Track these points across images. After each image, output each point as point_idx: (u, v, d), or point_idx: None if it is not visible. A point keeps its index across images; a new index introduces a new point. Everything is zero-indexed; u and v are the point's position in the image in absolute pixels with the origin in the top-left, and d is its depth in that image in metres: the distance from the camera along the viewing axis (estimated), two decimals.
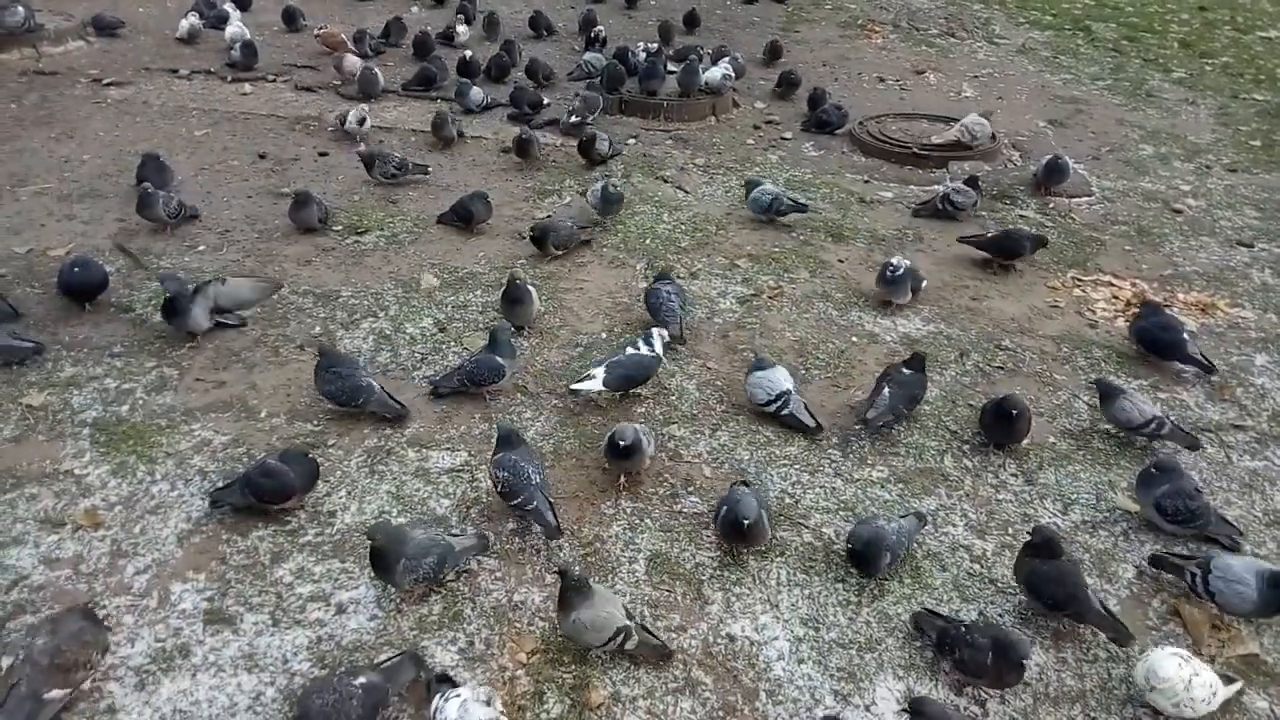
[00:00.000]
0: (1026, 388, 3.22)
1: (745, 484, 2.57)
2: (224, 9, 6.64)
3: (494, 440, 2.59)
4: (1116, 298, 3.84)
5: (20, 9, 5.63)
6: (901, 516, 2.51)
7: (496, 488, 2.47)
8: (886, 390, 2.93)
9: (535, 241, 3.92)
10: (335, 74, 5.80)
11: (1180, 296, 3.87)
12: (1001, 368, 3.37)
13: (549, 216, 4.16)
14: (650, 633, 2.16)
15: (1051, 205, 4.71)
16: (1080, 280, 4.00)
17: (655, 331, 3.16)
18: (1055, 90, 6.71)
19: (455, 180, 4.66)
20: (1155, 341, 3.33)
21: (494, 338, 3.02)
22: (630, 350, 3.09)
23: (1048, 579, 2.25)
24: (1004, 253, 4.03)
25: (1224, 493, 2.79)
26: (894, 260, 3.64)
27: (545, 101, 5.63)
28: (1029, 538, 2.33)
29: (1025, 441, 2.89)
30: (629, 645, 2.08)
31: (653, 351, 3.09)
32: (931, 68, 7.12)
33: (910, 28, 8.25)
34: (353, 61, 5.47)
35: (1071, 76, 7.10)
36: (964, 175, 4.80)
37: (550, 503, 2.47)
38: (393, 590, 2.26)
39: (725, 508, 2.42)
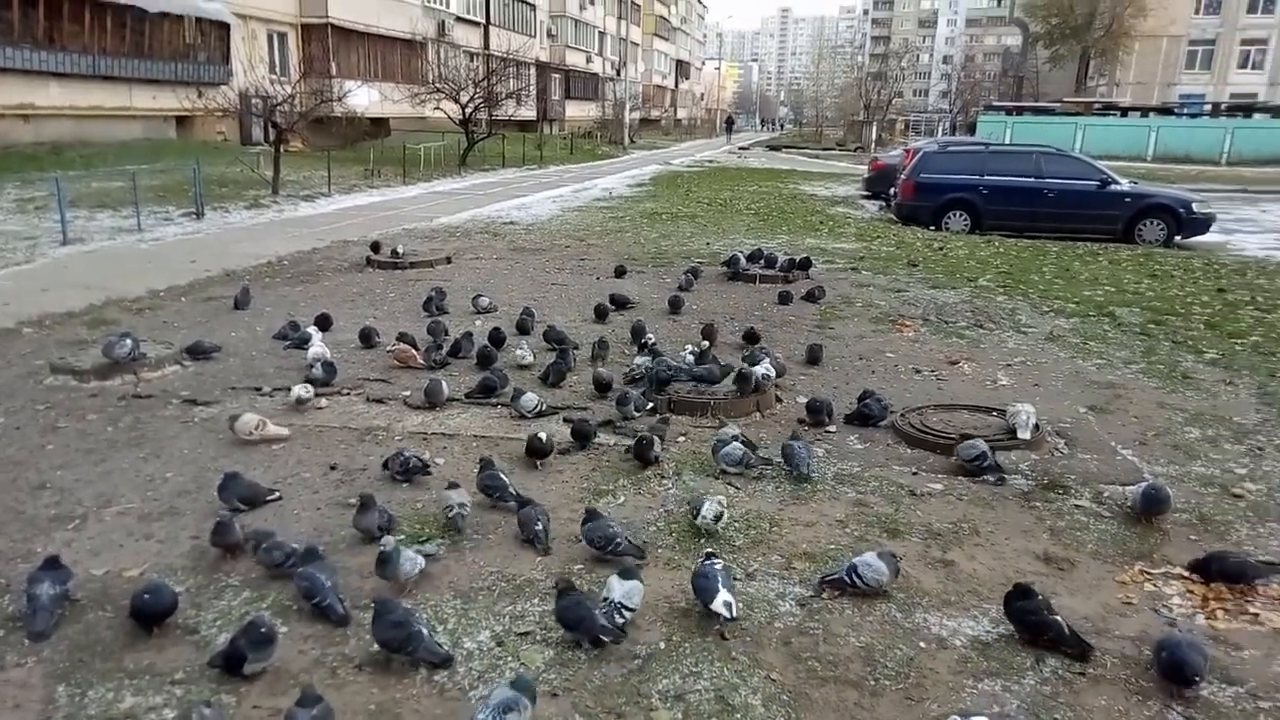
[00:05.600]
0: (1113, 698, 3.04)
1: None
2: (307, 331, 7.32)
3: None
4: (1192, 592, 3.70)
5: (128, 341, 6.28)
6: None
7: None
8: None
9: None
10: (403, 386, 6.24)
11: (1259, 589, 3.71)
12: (1083, 674, 3.19)
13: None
14: None
15: (1107, 495, 4.69)
16: (1149, 574, 3.88)
17: None
18: (1090, 376, 6.92)
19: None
20: None
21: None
22: None
23: None
24: (1224, 578, 3.75)
25: None
26: None
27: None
28: None
29: None
30: None
31: None
32: (965, 358, 7.44)
33: (939, 321, 8.73)
34: (247, 420, 5.34)
35: (1104, 361, 7.35)
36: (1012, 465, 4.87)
37: None
38: None
39: None
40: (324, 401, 6.02)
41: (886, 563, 3.70)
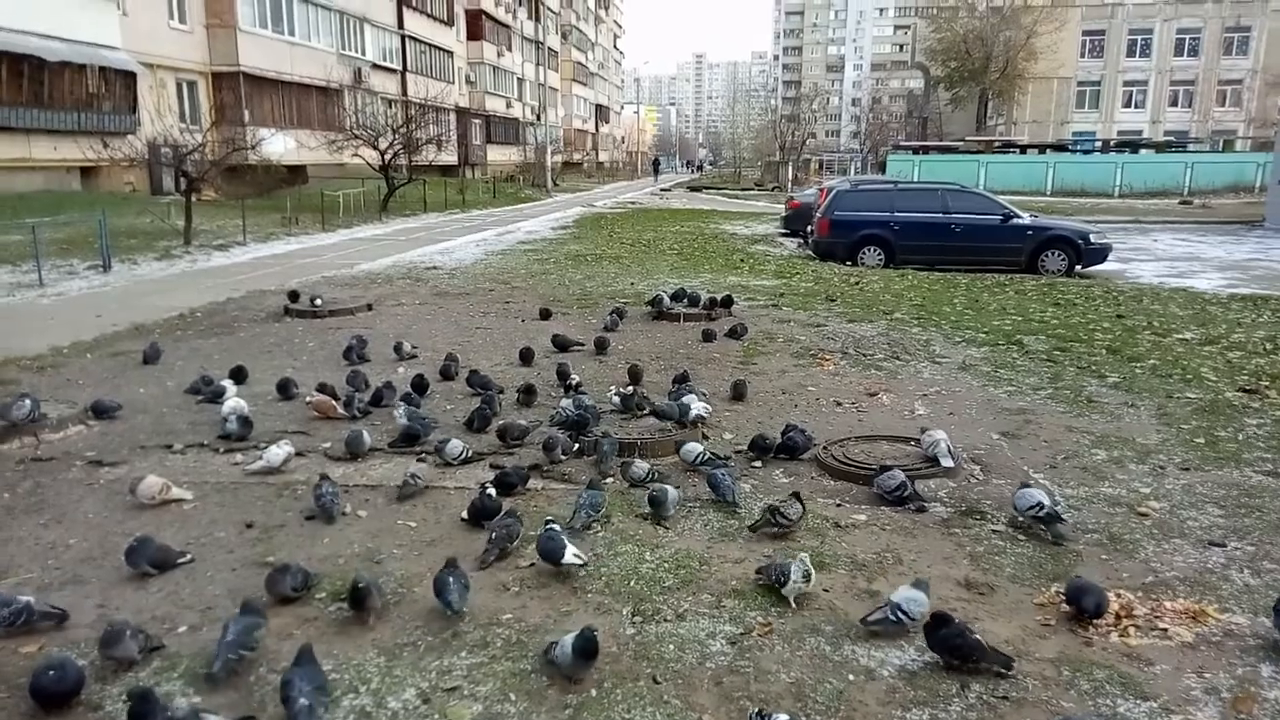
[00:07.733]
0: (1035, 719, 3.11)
1: None
2: (221, 384, 7.08)
3: None
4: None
5: (27, 402, 5.97)
6: None
7: None
8: None
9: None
10: (323, 438, 6.08)
11: (1167, 605, 3.87)
12: (1006, 698, 3.27)
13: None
14: None
15: (1022, 521, 4.84)
16: (1065, 595, 4.00)
17: None
18: (1001, 403, 7.18)
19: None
20: None
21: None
22: None
23: None
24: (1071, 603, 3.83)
25: None
26: None
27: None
28: None
29: None
30: None
31: None
32: (883, 389, 7.63)
33: (858, 354, 8.95)
34: (149, 484, 4.99)
35: (1014, 388, 7.63)
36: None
37: None
38: None
39: None
40: (239, 456, 5.81)
41: (924, 590, 3.73)
